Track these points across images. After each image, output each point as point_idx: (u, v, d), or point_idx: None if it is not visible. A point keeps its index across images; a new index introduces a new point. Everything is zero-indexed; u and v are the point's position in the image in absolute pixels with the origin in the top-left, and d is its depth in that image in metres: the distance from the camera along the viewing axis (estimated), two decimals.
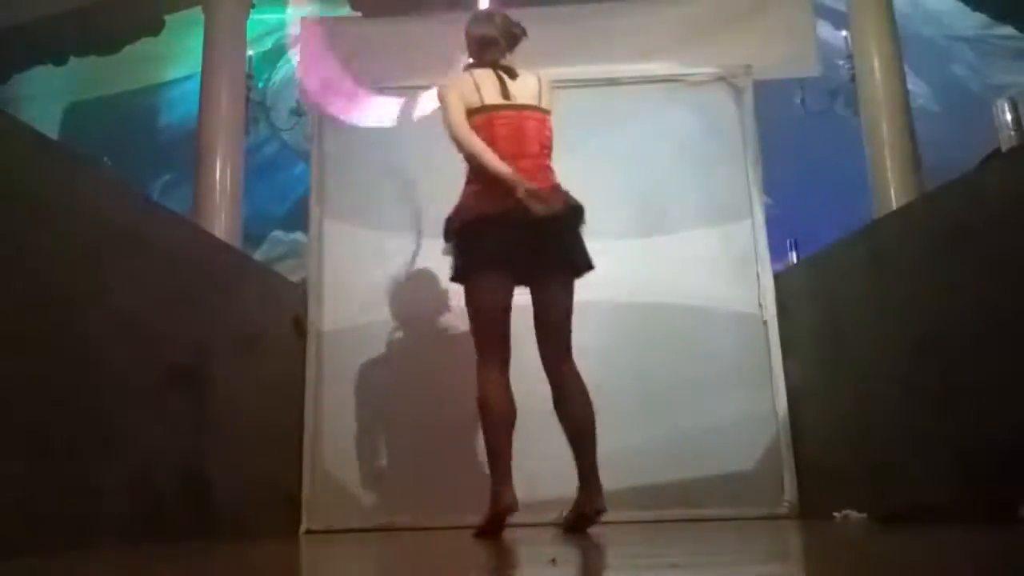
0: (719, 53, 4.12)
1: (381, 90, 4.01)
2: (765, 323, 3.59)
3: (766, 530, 2.71)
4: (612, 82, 3.92)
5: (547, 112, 2.85)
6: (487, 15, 2.95)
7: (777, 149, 4.24)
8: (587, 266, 2.82)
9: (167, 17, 6.61)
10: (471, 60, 2.96)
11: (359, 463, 3.55)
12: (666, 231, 3.73)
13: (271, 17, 6.80)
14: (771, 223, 3.75)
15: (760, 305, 3.61)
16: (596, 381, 3.54)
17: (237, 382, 2.96)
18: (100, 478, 2.17)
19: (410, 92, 3.96)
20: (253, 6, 5.54)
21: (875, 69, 4.88)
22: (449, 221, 2.78)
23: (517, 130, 2.76)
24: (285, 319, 3.55)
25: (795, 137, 5.95)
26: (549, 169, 2.81)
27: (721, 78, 3.88)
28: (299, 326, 3.63)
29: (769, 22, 4.56)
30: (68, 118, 8.04)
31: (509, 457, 2.64)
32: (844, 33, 5.41)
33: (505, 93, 2.80)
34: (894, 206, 4.40)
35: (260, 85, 6.49)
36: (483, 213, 2.64)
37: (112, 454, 2.23)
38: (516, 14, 5.02)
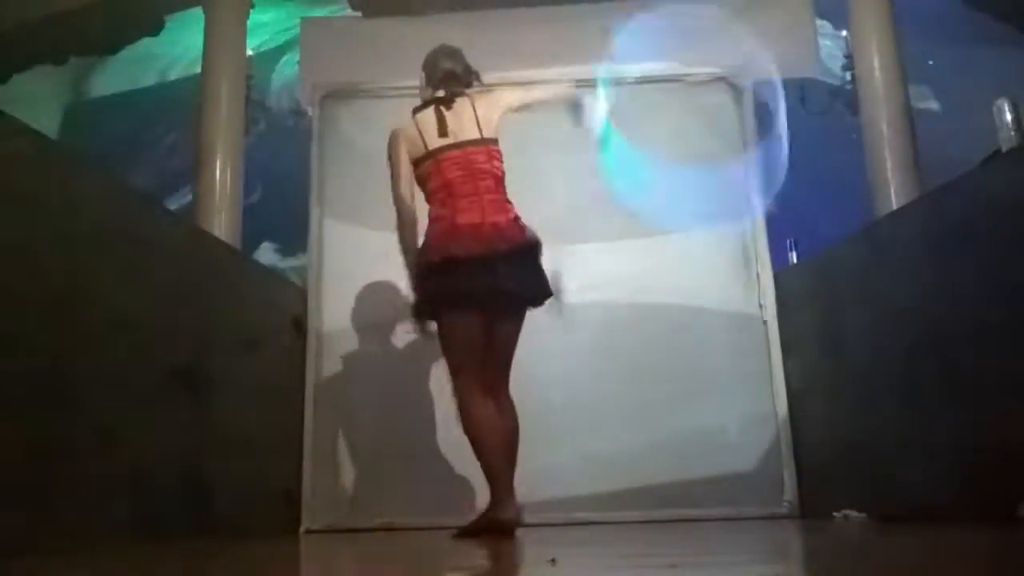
0: (719, 53, 4.12)
1: (381, 90, 4.00)
2: (765, 323, 3.59)
3: (766, 530, 2.71)
4: (612, 82, 3.91)
5: (492, 142, 2.83)
6: (452, 50, 2.96)
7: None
8: (544, 297, 2.83)
9: (167, 17, 6.60)
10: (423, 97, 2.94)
11: (359, 463, 3.55)
12: (666, 231, 3.73)
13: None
14: (771, 223, 3.75)
15: (760, 305, 3.61)
16: (596, 381, 3.57)
17: (237, 382, 2.96)
18: (100, 478, 2.17)
19: (410, 92, 3.95)
20: (253, 6, 5.54)
21: (875, 69, 4.88)
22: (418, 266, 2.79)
23: (466, 170, 2.77)
24: (285, 319, 3.55)
25: (795, 137, 5.95)
26: (506, 203, 2.80)
27: (721, 78, 3.88)
28: (299, 326, 3.63)
29: (769, 22, 4.56)
30: (68, 118, 8.05)
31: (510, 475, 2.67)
32: (844, 33, 5.42)
33: (443, 130, 2.80)
34: (894, 206, 4.40)
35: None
36: (451, 256, 2.68)
37: (112, 454, 2.23)
38: (517, 14, 5.04)
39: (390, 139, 2.90)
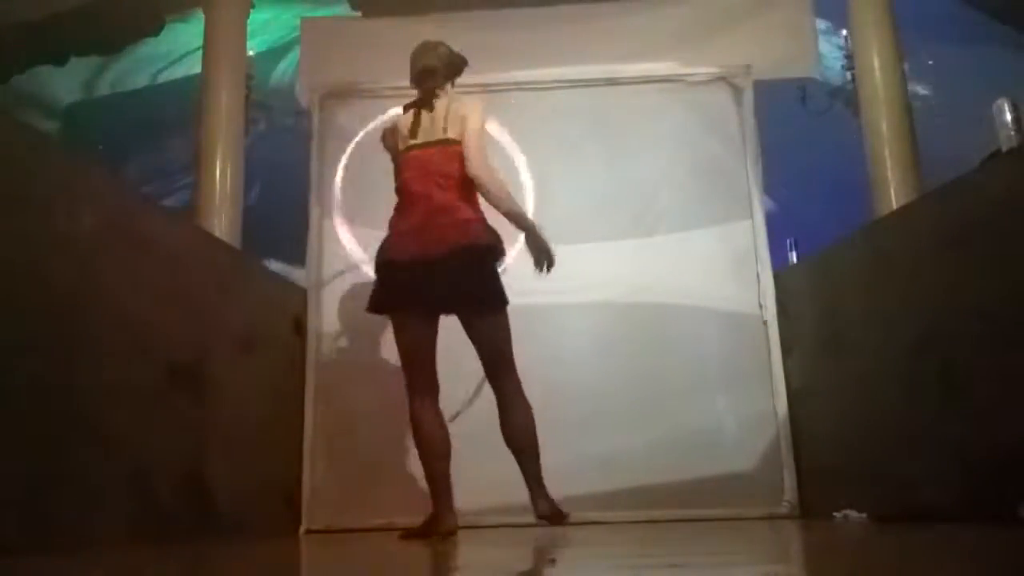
0: (719, 53, 4.12)
1: (381, 90, 4.00)
2: (765, 323, 3.59)
3: (766, 530, 2.71)
4: (612, 82, 3.92)
5: (453, 142, 2.77)
6: (433, 45, 2.94)
7: (777, 149, 4.24)
8: (482, 303, 2.75)
9: (167, 17, 6.60)
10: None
11: (359, 463, 3.54)
12: (666, 231, 3.73)
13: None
14: (771, 223, 3.75)
15: (760, 305, 3.61)
16: (596, 381, 3.57)
17: (237, 382, 2.96)
18: (100, 478, 2.17)
19: (410, 92, 3.96)
20: (253, 6, 5.54)
21: (875, 69, 4.88)
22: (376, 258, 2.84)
23: (421, 168, 2.78)
24: (285, 319, 3.55)
25: (795, 137, 5.95)
26: (460, 204, 2.74)
27: (721, 78, 3.88)
28: (299, 326, 3.63)
29: (769, 22, 4.56)
30: (68, 118, 8.05)
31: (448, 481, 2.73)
32: (844, 32, 5.42)
33: (414, 132, 2.82)
34: (894, 206, 4.41)
35: None
36: (390, 259, 2.74)
37: (112, 454, 2.23)
38: (517, 14, 5.04)
39: (383, 134, 2.96)
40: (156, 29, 6.69)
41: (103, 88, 8.14)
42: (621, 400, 3.53)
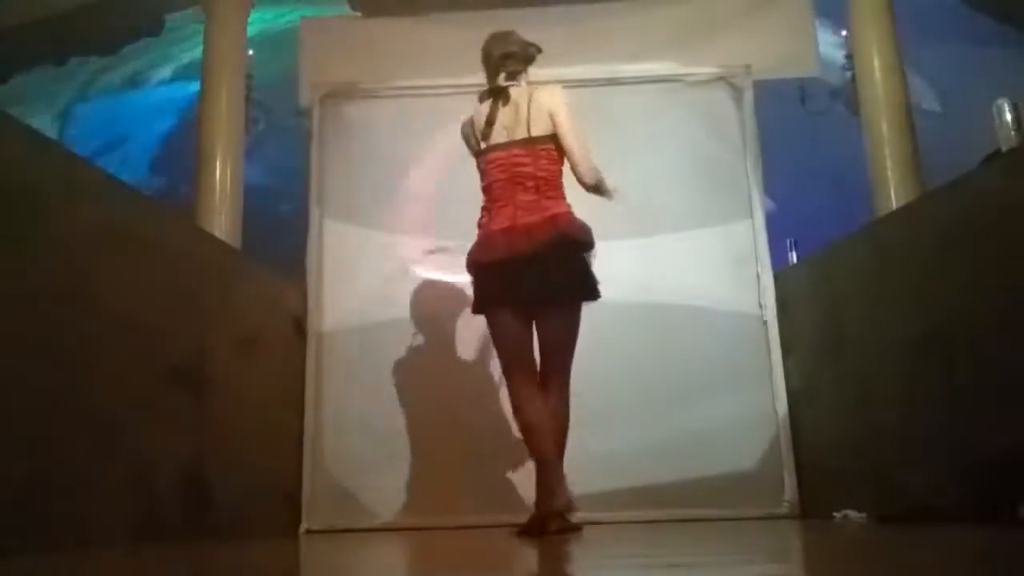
0: (719, 53, 4.12)
1: (381, 90, 4.00)
2: (765, 323, 3.59)
3: (766, 530, 2.71)
4: (612, 82, 3.92)
5: (539, 140, 2.73)
6: (504, 34, 2.90)
7: (777, 149, 4.24)
8: (576, 293, 2.77)
9: (167, 17, 6.61)
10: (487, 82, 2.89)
11: (359, 463, 3.54)
12: (666, 231, 3.73)
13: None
14: (771, 223, 3.75)
15: (760, 305, 3.61)
16: (596, 381, 3.56)
17: (237, 382, 2.96)
18: (100, 478, 2.17)
19: (410, 92, 3.96)
20: (253, 6, 5.53)
21: (875, 69, 4.87)
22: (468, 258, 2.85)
23: (507, 173, 2.76)
24: (285, 319, 3.55)
25: (795, 137, 5.95)
26: (546, 202, 2.73)
27: (721, 78, 3.88)
28: (299, 326, 3.63)
29: (769, 22, 4.56)
30: (68, 118, 8.05)
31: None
32: (844, 33, 5.42)
33: (492, 130, 2.77)
34: (894, 206, 4.40)
35: None
36: (477, 260, 2.77)
37: (112, 454, 2.23)
38: (517, 14, 5.04)
39: (462, 129, 2.89)
40: (156, 29, 6.69)
41: (103, 88, 8.13)
42: (620, 400, 3.53)
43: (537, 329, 2.79)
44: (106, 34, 6.73)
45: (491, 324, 2.82)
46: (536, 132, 2.73)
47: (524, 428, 2.72)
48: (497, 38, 2.88)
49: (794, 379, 3.50)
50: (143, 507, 2.35)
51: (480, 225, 2.83)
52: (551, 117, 2.73)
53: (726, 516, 3.28)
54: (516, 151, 2.75)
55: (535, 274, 2.67)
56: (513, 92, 2.80)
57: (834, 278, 3.23)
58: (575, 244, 2.73)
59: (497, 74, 2.83)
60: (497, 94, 2.81)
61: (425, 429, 3.53)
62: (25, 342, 1.96)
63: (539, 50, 2.88)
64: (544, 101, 2.74)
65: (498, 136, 2.77)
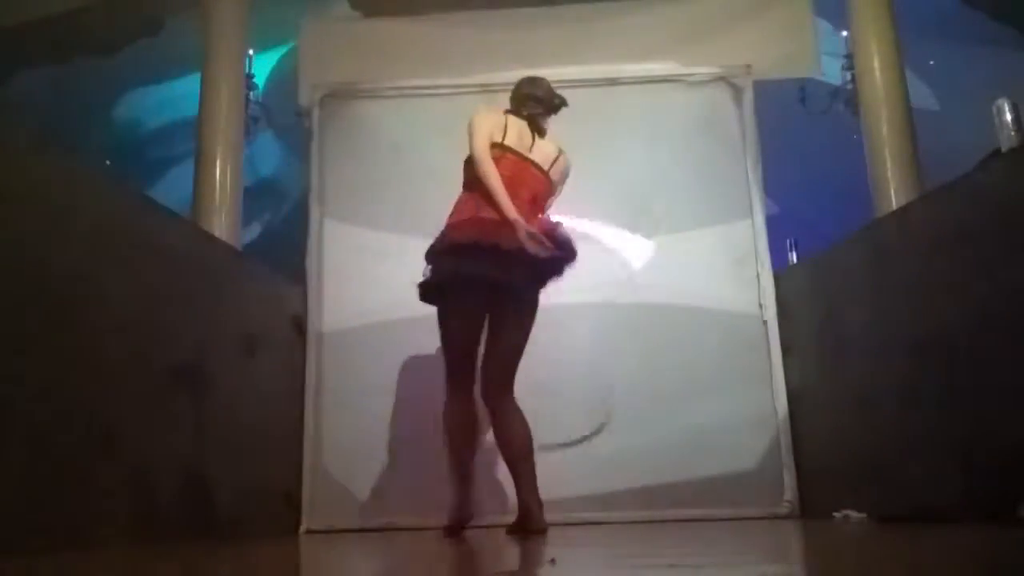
0: (719, 53, 4.12)
1: (381, 90, 4.01)
2: (765, 323, 3.59)
3: (766, 530, 2.71)
4: (612, 82, 3.92)
5: (550, 179, 2.91)
6: (536, 80, 3.03)
7: (777, 149, 4.24)
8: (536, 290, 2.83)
9: (167, 17, 6.60)
10: (511, 108, 3.00)
11: (359, 463, 3.54)
12: (666, 231, 3.73)
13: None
14: (771, 223, 3.75)
15: (760, 305, 3.61)
16: (596, 382, 3.57)
17: (237, 382, 2.96)
18: (100, 478, 2.17)
19: (410, 92, 3.96)
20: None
21: (875, 69, 4.87)
22: (431, 246, 2.81)
23: (516, 175, 2.80)
24: (285, 319, 3.55)
25: (796, 137, 5.95)
26: (537, 216, 2.81)
27: (721, 78, 3.88)
28: (299, 326, 3.63)
29: (769, 22, 4.56)
30: (68, 118, 8.03)
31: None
32: (844, 33, 5.42)
33: (524, 140, 2.87)
34: (894, 206, 4.40)
35: None
36: (454, 241, 2.71)
37: (112, 454, 2.23)
38: (517, 14, 5.03)
39: (472, 117, 2.86)
40: (156, 29, 6.68)
41: (102, 88, 8.12)
42: (620, 400, 3.53)
43: (493, 335, 2.79)
44: (106, 34, 6.73)
45: (447, 315, 2.80)
46: (553, 175, 2.92)
47: (445, 435, 2.82)
48: (529, 80, 3.05)
49: (794, 379, 3.50)
50: (143, 507, 2.35)
51: (464, 208, 2.77)
52: (558, 183, 2.95)
53: (726, 516, 3.28)
54: (534, 170, 2.87)
55: (520, 263, 2.65)
56: (548, 136, 2.95)
57: (834, 278, 3.23)
58: (570, 251, 2.77)
59: (522, 109, 2.96)
60: (531, 121, 2.93)
61: (425, 429, 3.53)
62: (25, 342, 1.96)
63: (564, 102, 3.01)
64: (563, 169, 2.96)
65: (521, 148, 2.85)
